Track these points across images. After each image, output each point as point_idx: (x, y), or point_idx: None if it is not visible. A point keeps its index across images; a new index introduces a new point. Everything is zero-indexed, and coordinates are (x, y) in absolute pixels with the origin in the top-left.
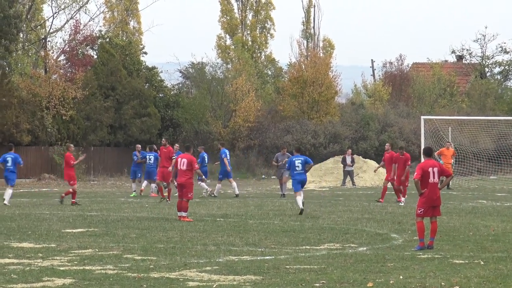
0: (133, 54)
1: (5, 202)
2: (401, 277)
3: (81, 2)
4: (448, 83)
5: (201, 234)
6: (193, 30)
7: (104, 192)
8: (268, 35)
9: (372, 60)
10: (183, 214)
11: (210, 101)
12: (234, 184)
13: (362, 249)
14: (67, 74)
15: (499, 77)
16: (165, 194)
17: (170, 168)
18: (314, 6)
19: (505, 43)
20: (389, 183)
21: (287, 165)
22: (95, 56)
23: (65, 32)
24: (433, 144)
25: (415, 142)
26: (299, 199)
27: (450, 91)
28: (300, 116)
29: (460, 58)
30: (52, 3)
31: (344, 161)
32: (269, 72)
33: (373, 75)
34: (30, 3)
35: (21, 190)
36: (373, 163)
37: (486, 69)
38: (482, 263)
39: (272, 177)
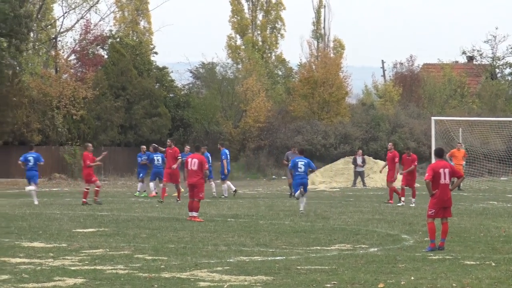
0: (143, 54)
1: (35, 202)
2: (412, 278)
3: (91, 2)
4: (458, 84)
5: (212, 234)
6: (203, 30)
7: (115, 192)
8: (279, 35)
9: (382, 60)
10: (194, 214)
11: (220, 101)
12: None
13: (373, 250)
14: (77, 73)
15: (509, 78)
16: (175, 194)
17: (175, 166)
18: (325, 6)
19: None
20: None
21: (290, 165)
22: (106, 56)
23: (75, 31)
24: (443, 145)
25: (426, 143)
26: (302, 201)
27: (461, 92)
28: (310, 117)
29: (470, 59)
30: (62, 3)
31: (355, 162)
32: (280, 73)
33: (384, 75)
34: (40, 3)
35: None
36: (383, 164)
37: (497, 70)
38: (493, 264)
39: (283, 177)
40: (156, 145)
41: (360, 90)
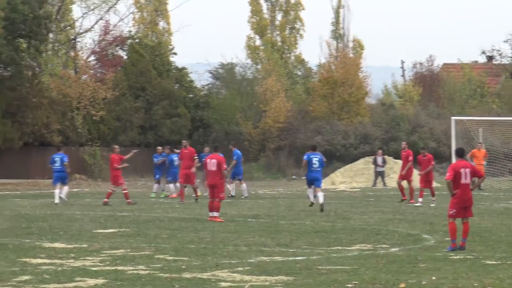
0: (162, 55)
1: (64, 197)
2: (433, 278)
3: (110, 3)
4: (478, 84)
5: (233, 234)
6: (222, 30)
7: (135, 193)
8: (298, 35)
9: (402, 60)
10: (215, 214)
11: (240, 101)
12: (233, 185)
13: (394, 250)
14: (97, 74)
15: None
16: (194, 195)
17: (193, 169)
18: (344, 6)
19: None
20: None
21: (305, 157)
22: (125, 57)
23: (94, 32)
24: (463, 145)
25: (446, 143)
26: (310, 191)
27: (481, 91)
28: (330, 117)
29: (490, 58)
30: (81, 4)
31: (375, 162)
32: (299, 73)
33: (403, 75)
34: (60, 4)
35: (52, 191)
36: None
37: None
38: None
39: (303, 177)
40: (171, 147)
41: (379, 90)
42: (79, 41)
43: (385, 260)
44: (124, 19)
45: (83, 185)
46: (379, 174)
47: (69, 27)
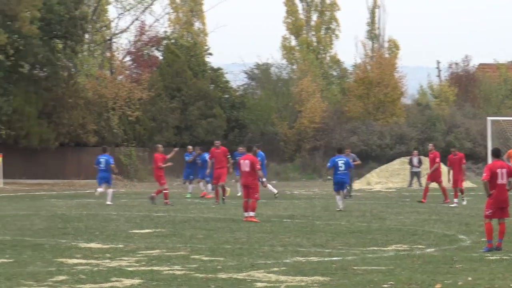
0: (198, 55)
1: (108, 195)
2: (469, 278)
3: (146, 3)
4: None
5: (268, 235)
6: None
7: (171, 193)
8: (333, 36)
9: (437, 61)
10: (251, 214)
11: (275, 102)
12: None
13: (429, 250)
14: (132, 75)
15: None
16: (227, 194)
17: (226, 169)
18: (379, 6)
19: None
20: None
21: (328, 164)
22: (161, 57)
23: (130, 33)
24: (499, 145)
25: (482, 143)
26: (339, 198)
27: None
28: (366, 117)
29: None
30: (117, 5)
31: (411, 162)
32: (334, 73)
33: (439, 76)
34: (95, 5)
35: (88, 191)
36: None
37: None
38: None
39: None
40: (202, 147)
41: (415, 91)
42: (114, 42)
43: (421, 260)
44: (160, 19)
45: (119, 186)
46: (415, 175)
47: (104, 28)
